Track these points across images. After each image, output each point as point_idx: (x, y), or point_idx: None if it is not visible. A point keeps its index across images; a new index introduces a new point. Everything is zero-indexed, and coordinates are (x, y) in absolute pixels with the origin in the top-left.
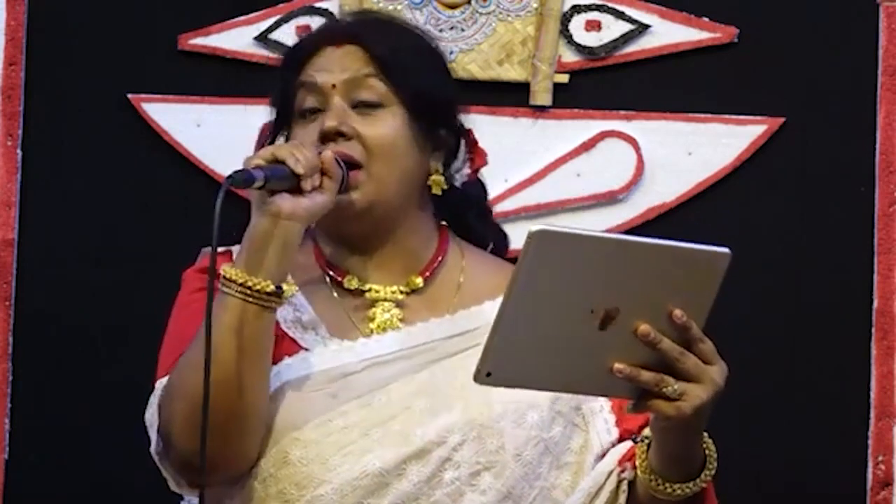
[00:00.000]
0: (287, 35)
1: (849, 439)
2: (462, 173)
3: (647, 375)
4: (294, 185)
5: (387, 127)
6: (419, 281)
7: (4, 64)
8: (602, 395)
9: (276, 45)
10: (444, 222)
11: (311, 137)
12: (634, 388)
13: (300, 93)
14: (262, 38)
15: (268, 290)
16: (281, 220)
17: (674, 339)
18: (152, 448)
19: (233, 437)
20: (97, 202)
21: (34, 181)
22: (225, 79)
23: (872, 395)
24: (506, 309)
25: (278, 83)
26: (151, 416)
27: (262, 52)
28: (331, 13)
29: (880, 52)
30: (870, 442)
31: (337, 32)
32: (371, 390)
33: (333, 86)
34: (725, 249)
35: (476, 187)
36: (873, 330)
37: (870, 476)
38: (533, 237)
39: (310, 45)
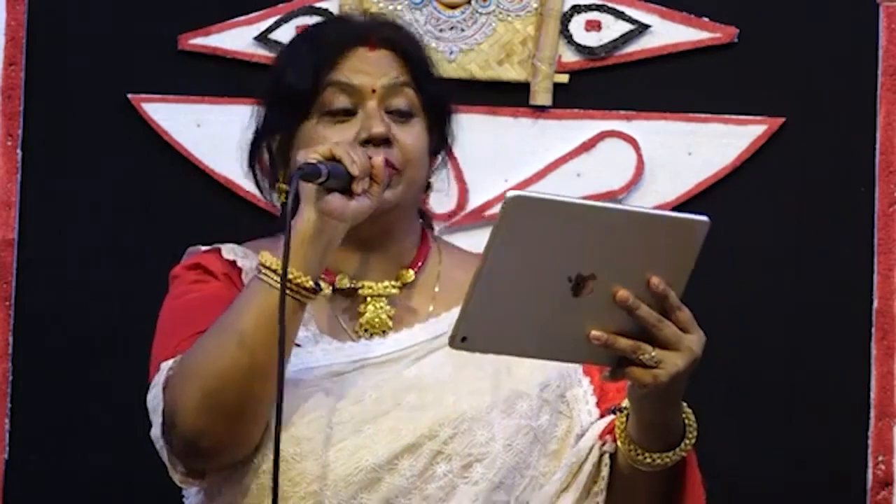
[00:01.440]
0: (287, 35)
1: (849, 439)
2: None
3: (623, 342)
4: (345, 185)
5: (417, 136)
6: (410, 274)
7: (4, 64)
8: (579, 362)
9: (276, 45)
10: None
11: (345, 138)
12: (612, 356)
13: (329, 91)
14: (262, 38)
15: (306, 285)
16: (331, 218)
17: (652, 306)
18: (153, 431)
19: (245, 421)
20: (97, 202)
21: (34, 181)
22: (225, 79)
23: (872, 395)
24: (481, 273)
25: (295, 78)
26: (154, 397)
27: (262, 52)
28: (331, 13)
29: (880, 52)
30: (870, 442)
31: (370, 35)
32: (362, 389)
33: (373, 90)
34: (704, 217)
35: None
36: (873, 330)
37: (870, 476)
38: (508, 202)
39: (342, 44)
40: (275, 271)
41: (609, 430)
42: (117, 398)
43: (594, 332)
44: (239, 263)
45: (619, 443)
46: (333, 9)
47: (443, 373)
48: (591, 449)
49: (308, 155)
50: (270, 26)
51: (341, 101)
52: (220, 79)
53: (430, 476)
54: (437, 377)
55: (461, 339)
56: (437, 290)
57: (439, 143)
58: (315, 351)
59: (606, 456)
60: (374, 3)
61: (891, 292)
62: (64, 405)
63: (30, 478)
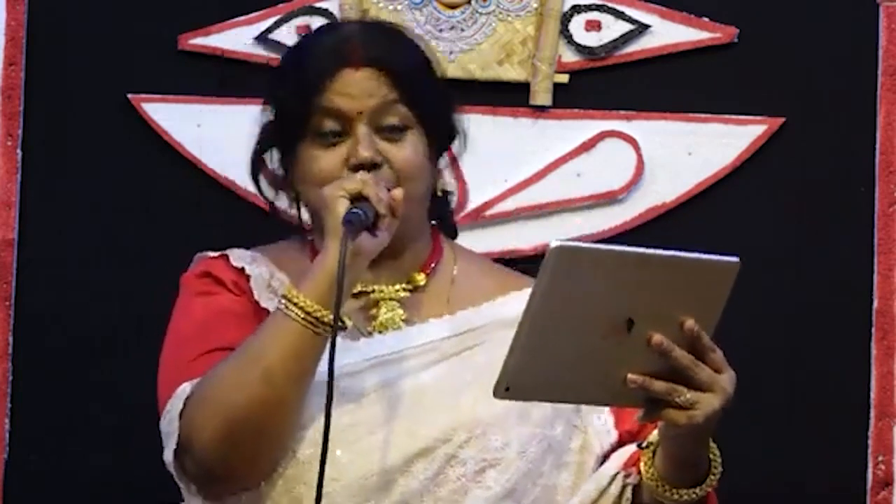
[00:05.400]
0: (287, 35)
1: (849, 439)
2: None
3: (659, 385)
4: (372, 223)
5: (413, 150)
6: (421, 278)
7: (4, 64)
8: (614, 405)
9: (276, 45)
10: (433, 221)
11: (334, 163)
12: (646, 397)
13: (318, 116)
14: (262, 38)
15: (332, 322)
16: (358, 257)
17: (685, 348)
18: (166, 455)
19: (264, 453)
20: (97, 202)
21: (34, 181)
22: (225, 79)
23: (872, 395)
24: (525, 325)
25: (286, 100)
26: (170, 423)
27: (262, 52)
28: (331, 13)
29: (880, 52)
30: (870, 442)
31: (354, 54)
32: (376, 389)
33: (360, 113)
34: (734, 259)
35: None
36: (873, 330)
37: (870, 476)
38: (552, 253)
39: (326, 68)
40: (301, 308)
41: (633, 462)
42: (117, 398)
43: (631, 376)
44: (247, 270)
45: (644, 477)
46: (333, 9)
47: (459, 378)
48: (613, 478)
49: (336, 192)
50: (270, 26)
51: (330, 125)
52: (219, 79)
53: (443, 480)
54: (453, 382)
55: (505, 389)
56: (451, 292)
57: (442, 147)
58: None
59: (629, 488)
60: (374, 3)
61: (891, 292)
62: (64, 405)
63: (30, 478)
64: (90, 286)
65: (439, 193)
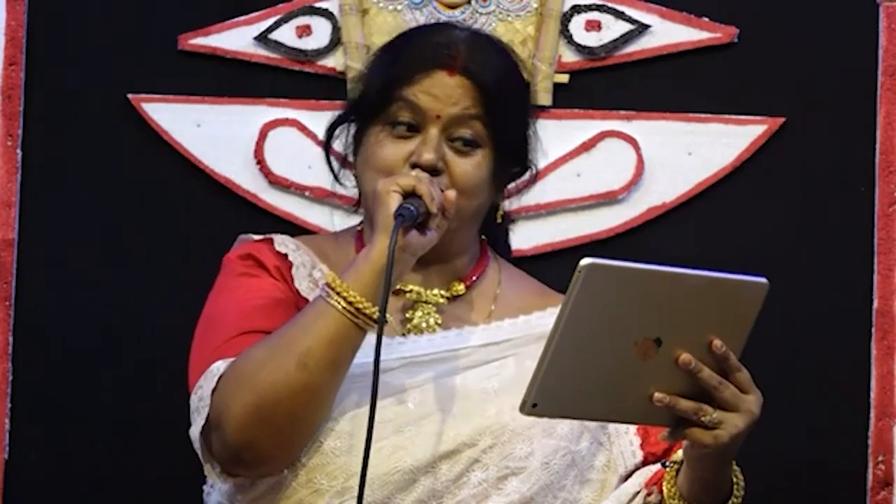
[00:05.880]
0: (287, 35)
1: (849, 439)
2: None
3: (686, 404)
4: (422, 220)
5: (477, 168)
6: (461, 288)
7: (4, 64)
8: (639, 423)
9: (276, 45)
10: (483, 235)
11: (398, 155)
12: (671, 416)
13: (397, 104)
14: (262, 38)
15: (375, 316)
16: (405, 253)
17: (712, 368)
18: (192, 431)
19: (292, 439)
20: (97, 202)
21: (34, 181)
22: (225, 79)
23: (872, 395)
24: (554, 341)
25: (375, 81)
26: (201, 399)
27: (262, 52)
28: (331, 13)
29: (880, 52)
30: (870, 442)
31: (454, 59)
32: (406, 389)
33: (438, 116)
34: (763, 280)
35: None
36: (873, 330)
37: (870, 476)
38: (582, 270)
39: (422, 64)
40: (343, 297)
41: (655, 480)
42: (117, 398)
43: (657, 395)
44: (290, 257)
45: (666, 496)
46: (333, 9)
47: (489, 384)
48: (634, 495)
49: (389, 186)
50: (270, 26)
51: (405, 116)
52: (219, 79)
53: (464, 483)
54: (483, 387)
55: (532, 405)
56: (492, 304)
57: (511, 173)
58: (363, 347)
59: None
60: (374, 3)
61: (891, 292)
62: (64, 405)
63: (30, 478)
64: (90, 286)
65: (499, 219)
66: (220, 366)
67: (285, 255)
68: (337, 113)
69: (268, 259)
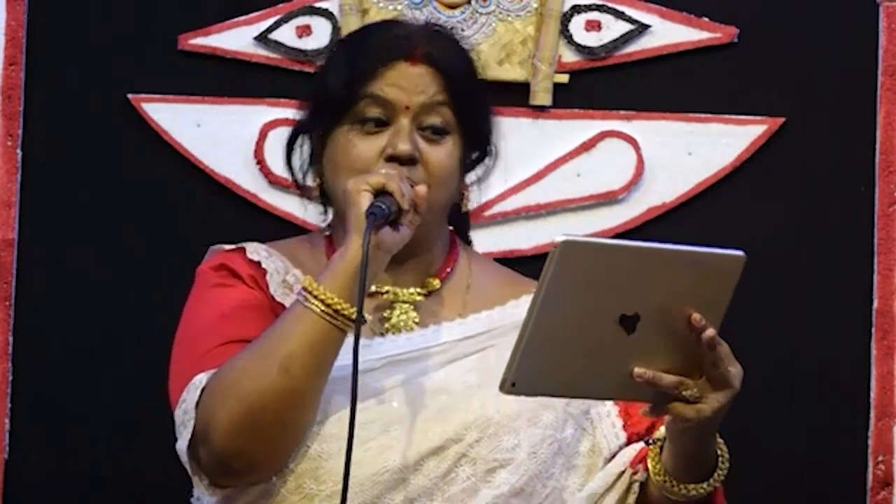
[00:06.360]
0: (287, 35)
1: (849, 439)
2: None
3: (667, 379)
4: (394, 218)
5: (448, 155)
6: (437, 283)
7: (4, 64)
8: (620, 399)
9: (276, 45)
10: (450, 227)
11: (371, 151)
12: (652, 392)
13: (364, 102)
14: (262, 38)
15: (353, 316)
16: (380, 251)
17: (691, 342)
18: (179, 445)
19: (280, 445)
20: (97, 202)
21: (34, 181)
22: (225, 79)
23: (872, 395)
24: (531, 319)
25: (334, 84)
26: (185, 412)
27: (262, 52)
28: (331, 13)
29: (880, 52)
30: (870, 442)
31: (414, 49)
32: (389, 388)
33: (407, 107)
34: (740, 252)
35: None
36: (873, 330)
37: (870, 476)
38: (558, 247)
39: (383, 57)
40: (321, 300)
41: (640, 458)
42: (117, 398)
43: (638, 370)
44: (263, 265)
45: (651, 473)
46: (333, 9)
47: (470, 378)
48: (620, 475)
49: (360, 185)
50: (270, 26)
51: (374, 112)
52: (219, 79)
53: (453, 478)
54: (465, 381)
55: (511, 384)
56: (466, 297)
57: (476, 158)
58: (344, 348)
59: (636, 484)
60: (374, 3)
61: (891, 292)
62: (64, 405)
63: (30, 478)
64: (90, 286)
65: (463, 210)
66: (201, 378)
67: (258, 263)
68: (300, 119)
69: (241, 268)
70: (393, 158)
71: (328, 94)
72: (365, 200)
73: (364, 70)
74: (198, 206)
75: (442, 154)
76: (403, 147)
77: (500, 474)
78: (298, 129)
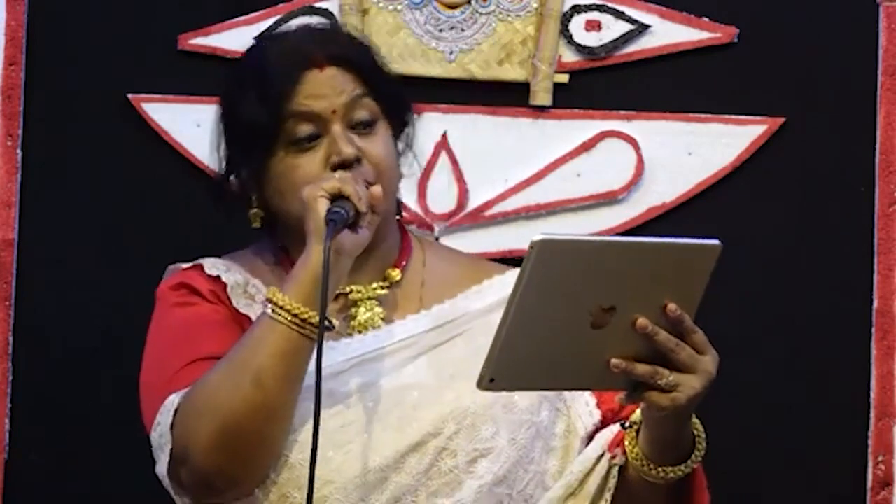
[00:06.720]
0: None
1: (849, 439)
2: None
3: (642, 368)
4: (352, 221)
5: (384, 144)
6: (396, 273)
7: (4, 64)
8: (597, 389)
9: None
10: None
11: (315, 166)
12: (628, 381)
13: (290, 122)
14: None
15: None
16: (342, 256)
17: (668, 331)
18: (159, 469)
19: (259, 458)
20: (97, 202)
21: (34, 181)
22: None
23: (872, 395)
24: (509, 317)
25: (251, 115)
26: (161, 436)
27: None
28: (331, 13)
29: (880, 52)
30: (870, 442)
31: (315, 56)
32: (361, 389)
33: (334, 111)
34: (715, 242)
35: None
36: (873, 330)
37: (870, 476)
38: (535, 246)
39: (289, 73)
40: (287, 310)
41: (617, 442)
42: (117, 398)
43: (614, 361)
44: (223, 278)
45: (629, 457)
46: (333, 9)
47: (442, 370)
48: (598, 459)
49: (316, 192)
50: (270, 26)
51: (305, 130)
52: (219, 79)
53: (435, 472)
54: (437, 375)
55: (489, 381)
56: (424, 285)
57: (401, 140)
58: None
59: (615, 469)
60: (374, 3)
61: (891, 292)
62: (64, 405)
63: (30, 478)
64: (90, 286)
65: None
66: (174, 399)
67: (217, 277)
68: (222, 162)
69: (200, 285)
70: (340, 165)
71: (250, 128)
72: (322, 207)
73: (278, 92)
74: (198, 206)
75: (380, 145)
76: (347, 150)
77: (481, 464)
78: (229, 170)
